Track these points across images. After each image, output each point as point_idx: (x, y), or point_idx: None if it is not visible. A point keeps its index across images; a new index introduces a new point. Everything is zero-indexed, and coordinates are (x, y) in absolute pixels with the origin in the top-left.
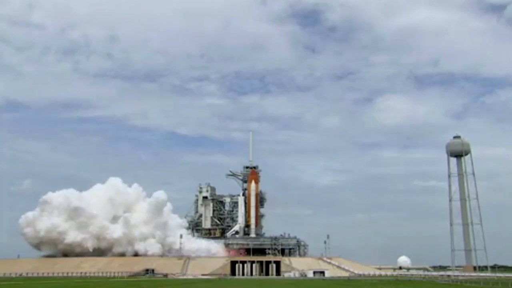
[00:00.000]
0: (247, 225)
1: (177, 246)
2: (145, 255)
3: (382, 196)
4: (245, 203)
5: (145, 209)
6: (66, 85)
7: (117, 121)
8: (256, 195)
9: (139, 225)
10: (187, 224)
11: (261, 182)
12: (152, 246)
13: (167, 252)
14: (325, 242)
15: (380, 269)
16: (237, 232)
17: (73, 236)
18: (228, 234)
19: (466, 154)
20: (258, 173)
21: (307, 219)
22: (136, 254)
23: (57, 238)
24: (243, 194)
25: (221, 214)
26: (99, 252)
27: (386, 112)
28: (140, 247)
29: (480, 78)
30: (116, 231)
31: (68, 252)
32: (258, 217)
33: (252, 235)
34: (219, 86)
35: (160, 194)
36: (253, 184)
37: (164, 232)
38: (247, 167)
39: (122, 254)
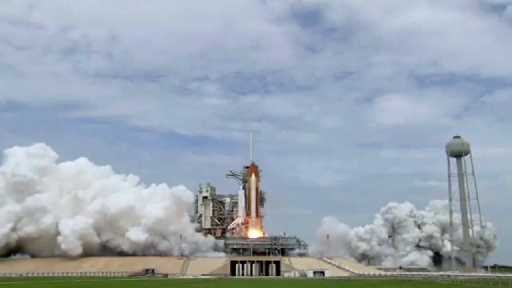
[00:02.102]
0: (246, 225)
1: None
2: (171, 256)
3: (382, 196)
4: (246, 197)
5: (165, 206)
6: (66, 85)
7: (117, 121)
8: (256, 189)
9: (162, 225)
10: (197, 224)
11: (261, 182)
12: (175, 247)
13: (190, 253)
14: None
15: (380, 269)
16: (237, 225)
17: (104, 237)
18: (229, 227)
19: (466, 154)
20: (258, 167)
21: (307, 219)
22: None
23: (91, 239)
24: (243, 188)
25: (221, 214)
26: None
27: (387, 112)
28: (162, 247)
29: (480, 78)
30: (138, 235)
31: (93, 253)
32: (258, 210)
33: (253, 228)
34: (220, 86)
35: (183, 190)
36: (253, 177)
37: (186, 231)
38: (247, 167)
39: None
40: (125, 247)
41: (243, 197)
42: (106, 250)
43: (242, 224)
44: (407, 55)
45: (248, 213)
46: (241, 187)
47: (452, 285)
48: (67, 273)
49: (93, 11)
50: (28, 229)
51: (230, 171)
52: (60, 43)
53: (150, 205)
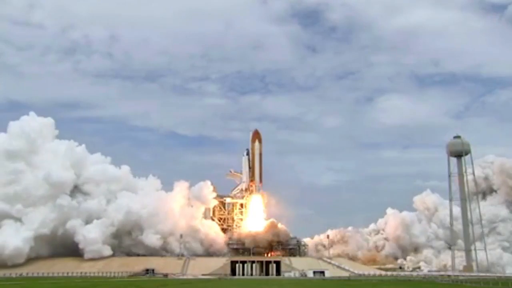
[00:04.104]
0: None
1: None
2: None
3: (382, 196)
4: (249, 161)
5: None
6: (66, 85)
7: (117, 121)
8: (260, 154)
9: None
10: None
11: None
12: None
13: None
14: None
15: (380, 269)
16: (241, 191)
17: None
18: (233, 193)
19: (466, 154)
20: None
21: (307, 219)
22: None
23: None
24: (247, 154)
25: (222, 214)
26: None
27: (387, 112)
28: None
29: (481, 78)
30: (153, 239)
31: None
32: (262, 175)
33: (256, 193)
34: (220, 86)
35: (207, 193)
36: (256, 143)
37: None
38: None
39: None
40: (140, 250)
41: (247, 162)
42: (117, 251)
43: (246, 189)
44: (407, 55)
45: (252, 179)
46: (245, 154)
47: (452, 285)
48: (67, 273)
49: (94, 11)
50: (59, 232)
51: (230, 171)
52: (61, 43)
53: (169, 208)
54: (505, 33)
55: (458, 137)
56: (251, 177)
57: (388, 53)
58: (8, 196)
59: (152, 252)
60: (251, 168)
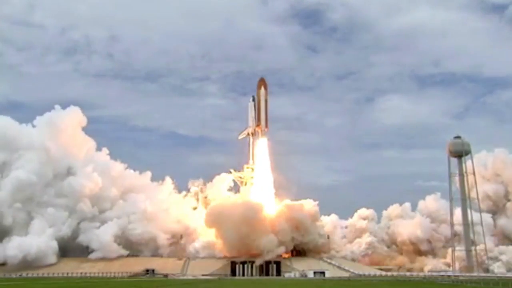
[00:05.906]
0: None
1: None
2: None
3: (383, 196)
4: (255, 106)
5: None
6: (66, 85)
7: (117, 121)
8: (265, 100)
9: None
10: None
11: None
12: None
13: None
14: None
15: (380, 269)
16: (248, 135)
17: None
18: (239, 137)
19: (466, 154)
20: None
21: None
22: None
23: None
24: (253, 100)
25: None
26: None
27: (388, 112)
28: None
29: (481, 78)
30: (163, 240)
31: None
32: (268, 120)
33: (263, 137)
34: (220, 86)
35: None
36: (262, 90)
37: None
38: (247, 167)
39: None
40: (148, 253)
41: (253, 108)
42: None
43: (252, 134)
44: (408, 55)
45: (258, 124)
46: (251, 100)
47: (452, 285)
48: (67, 273)
49: (94, 11)
50: (73, 234)
51: (230, 171)
52: (61, 43)
53: (181, 209)
54: (505, 33)
55: (458, 137)
56: (257, 122)
57: (389, 53)
58: (40, 201)
59: (159, 252)
60: (257, 112)
